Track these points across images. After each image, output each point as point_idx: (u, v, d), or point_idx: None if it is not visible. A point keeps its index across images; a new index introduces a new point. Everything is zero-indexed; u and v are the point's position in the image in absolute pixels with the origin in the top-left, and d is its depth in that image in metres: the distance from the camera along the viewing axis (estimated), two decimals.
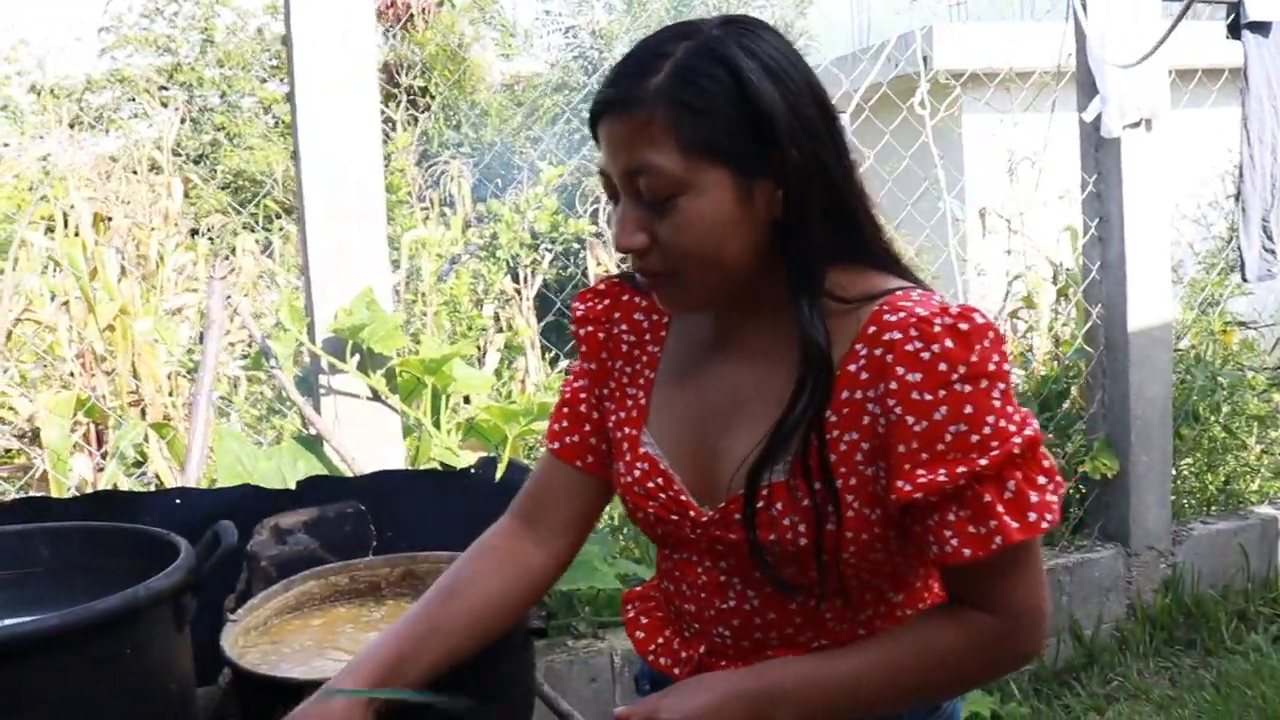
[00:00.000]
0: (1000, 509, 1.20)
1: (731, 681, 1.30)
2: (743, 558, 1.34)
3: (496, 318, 5.59)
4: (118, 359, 4.19)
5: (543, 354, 5.54)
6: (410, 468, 2.95)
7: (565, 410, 1.55)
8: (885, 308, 1.26)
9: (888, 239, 1.36)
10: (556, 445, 1.54)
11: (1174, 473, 4.59)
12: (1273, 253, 4.48)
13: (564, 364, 5.82)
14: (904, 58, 6.08)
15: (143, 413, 4.12)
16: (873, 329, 1.25)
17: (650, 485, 1.40)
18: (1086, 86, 4.23)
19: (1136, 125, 4.21)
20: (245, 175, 11.73)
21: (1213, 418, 4.81)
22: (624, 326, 1.50)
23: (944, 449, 1.20)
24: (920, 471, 1.21)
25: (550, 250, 6.07)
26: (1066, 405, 4.53)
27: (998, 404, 1.21)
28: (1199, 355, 4.92)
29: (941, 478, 1.20)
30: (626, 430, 1.46)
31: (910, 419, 1.21)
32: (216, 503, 2.14)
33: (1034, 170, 4.52)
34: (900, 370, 1.22)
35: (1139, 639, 4.28)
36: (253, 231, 6.80)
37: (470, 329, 5.22)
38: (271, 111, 14.42)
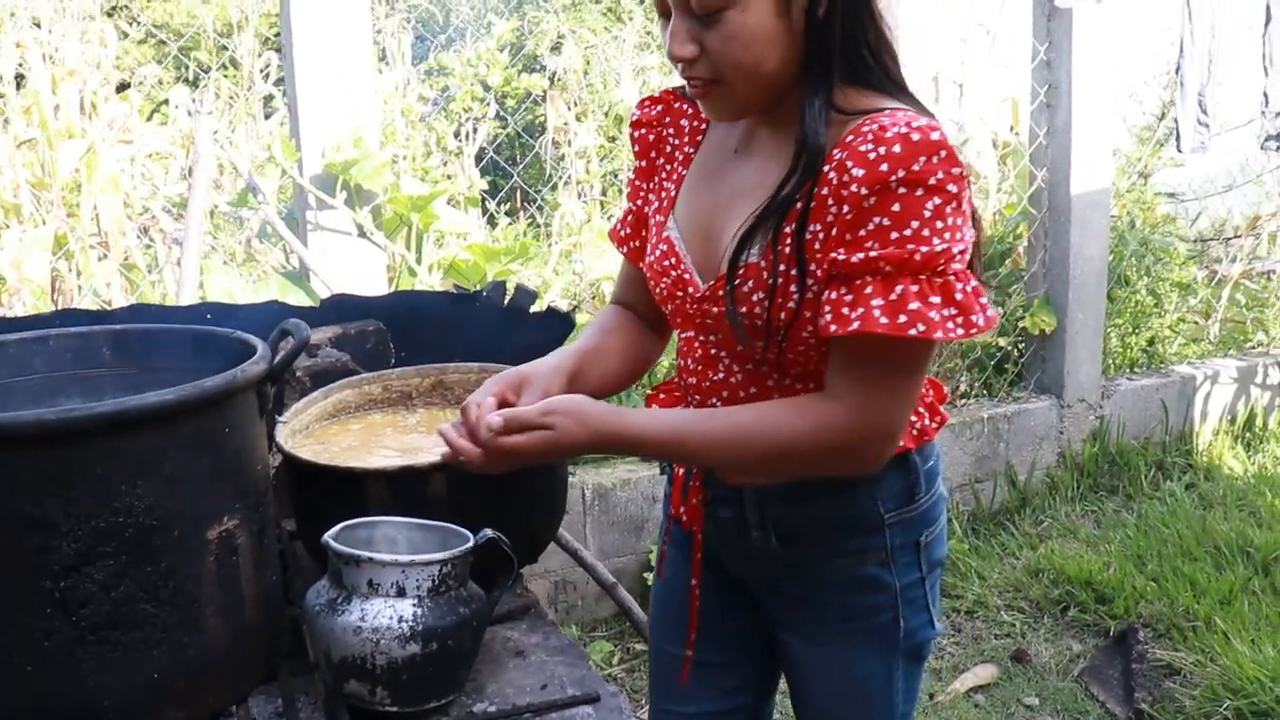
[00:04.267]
0: (875, 301, 1.33)
1: (598, 414, 1.45)
2: (727, 332, 1.52)
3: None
4: (81, 199, 4.16)
5: (483, 211, 5.57)
6: (425, 289, 3.05)
7: (629, 216, 1.76)
8: (866, 121, 1.38)
9: (897, 64, 1.49)
10: (624, 249, 1.77)
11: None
12: (1206, 126, 4.70)
13: (505, 222, 5.91)
14: None
15: (103, 255, 4.12)
16: (850, 138, 1.38)
17: (666, 264, 1.59)
18: None
19: None
20: (170, 28, 11.43)
21: (1140, 282, 5.06)
22: (671, 130, 1.68)
23: (863, 235, 1.34)
24: (834, 252, 1.37)
25: (502, 107, 6.09)
26: (1008, 264, 4.75)
27: (928, 214, 1.32)
28: (1132, 221, 5.14)
29: (840, 257, 1.36)
30: (657, 218, 1.65)
31: (845, 208, 1.35)
32: (246, 316, 2.22)
33: (987, 38, 4.65)
34: (849, 165, 1.35)
35: (1068, 484, 4.58)
36: (191, 86, 6.69)
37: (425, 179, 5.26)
38: None
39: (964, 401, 4.62)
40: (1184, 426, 5.00)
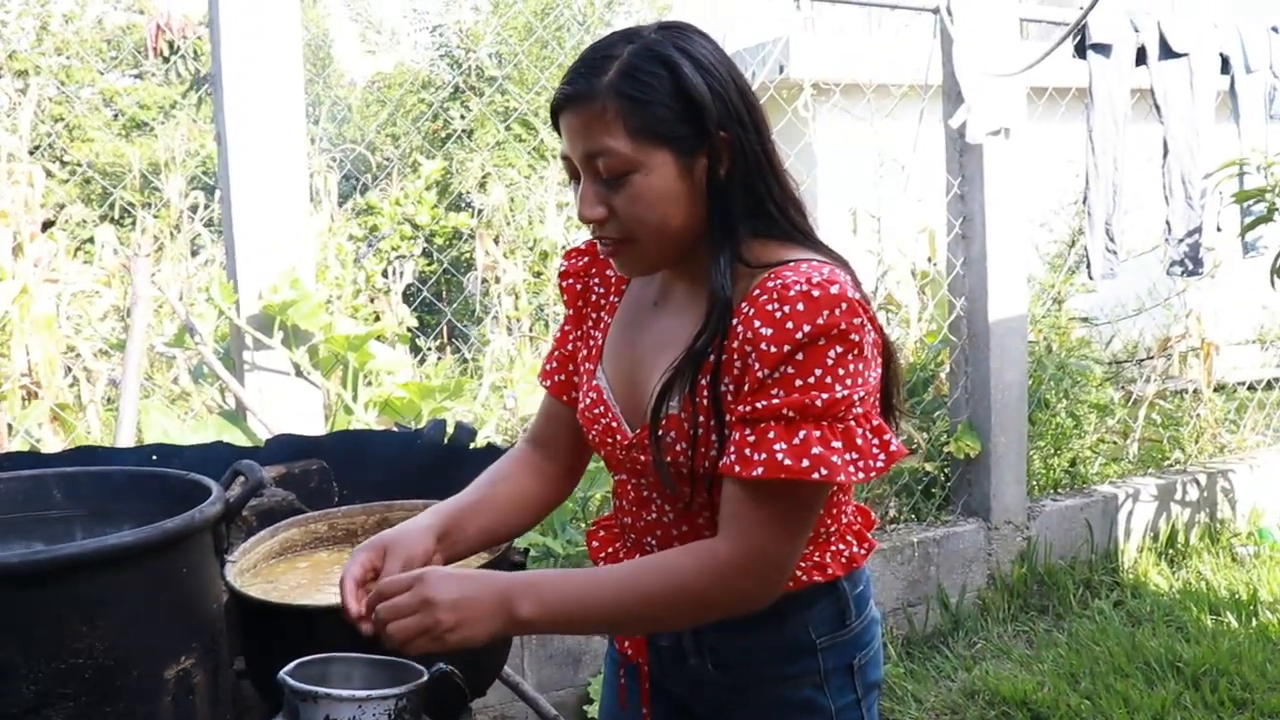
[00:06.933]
0: (778, 445, 1.39)
1: (481, 571, 1.48)
2: (655, 476, 1.58)
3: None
4: (11, 341, 4.13)
5: (411, 347, 5.62)
6: (367, 428, 3.07)
7: (555, 353, 1.82)
8: (772, 275, 1.46)
9: (802, 214, 1.57)
10: (548, 383, 1.82)
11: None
12: (1114, 253, 4.88)
13: (433, 357, 5.96)
14: (758, 65, 6.38)
15: (34, 396, 4.09)
16: (756, 292, 1.45)
17: (596, 411, 1.66)
18: (953, 96, 4.55)
19: (997, 133, 4.55)
20: (95, 167, 11.48)
21: (1060, 405, 5.21)
22: (597, 280, 1.76)
23: (769, 384, 1.41)
24: (741, 402, 1.44)
25: (430, 244, 6.19)
26: (931, 391, 4.87)
27: (830, 363, 1.39)
28: (1049, 346, 5.31)
29: (746, 405, 1.42)
30: (586, 366, 1.72)
31: (757, 365, 1.42)
32: (192, 457, 2.24)
33: (902, 174, 4.83)
34: (757, 324, 1.42)
35: (999, 605, 4.64)
36: (115, 225, 6.72)
37: (355, 317, 5.29)
38: (112, 104, 14.07)
39: (893, 526, 4.69)
40: (1109, 545, 5.11)
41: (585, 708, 3.71)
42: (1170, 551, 5.30)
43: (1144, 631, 4.36)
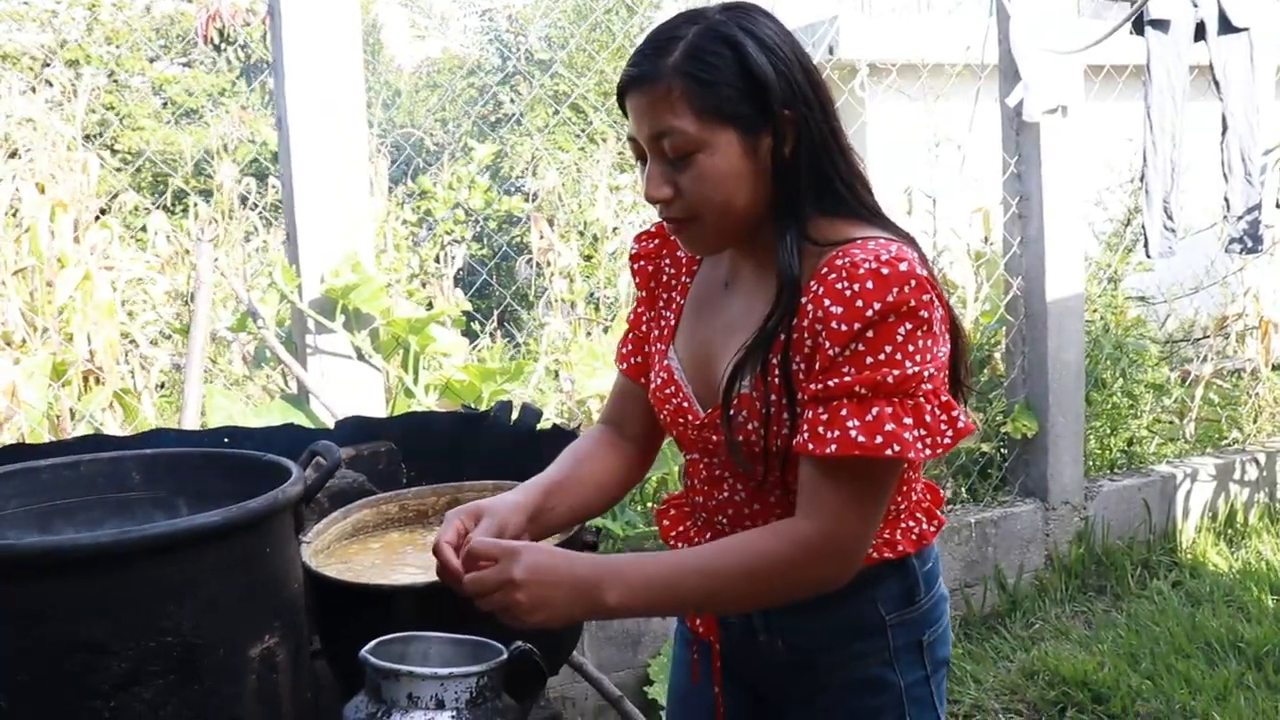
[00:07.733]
0: (851, 422, 1.40)
1: (569, 553, 1.51)
2: (727, 455, 1.59)
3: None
4: (73, 326, 4.19)
5: (465, 332, 5.64)
6: (432, 410, 3.10)
7: (630, 335, 1.84)
8: (840, 253, 1.46)
9: (869, 192, 1.58)
10: (624, 366, 1.83)
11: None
12: (1172, 231, 4.82)
13: (484, 341, 5.98)
14: (809, 46, 6.34)
15: (97, 380, 4.15)
16: (825, 269, 1.46)
17: (667, 391, 1.67)
18: (1009, 74, 4.52)
19: (1054, 111, 4.51)
20: (156, 154, 11.56)
21: (1116, 384, 5.17)
22: (668, 261, 1.78)
23: (840, 361, 1.42)
24: (813, 380, 1.45)
25: (483, 227, 6.21)
26: (988, 371, 4.85)
27: (900, 339, 1.40)
28: (1106, 325, 5.26)
29: (818, 382, 1.43)
30: (657, 346, 1.74)
31: (827, 343, 1.43)
32: (262, 439, 2.27)
33: (958, 154, 4.80)
34: (826, 302, 1.43)
35: (1056, 586, 4.63)
36: (167, 212, 6.78)
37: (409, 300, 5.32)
38: (162, 92, 14.17)
39: (950, 507, 4.67)
40: (1167, 525, 5.07)
41: (645, 689, 3.73)
42: (1229, 531, 5.26)
43: (1204, 612, 4.33)
